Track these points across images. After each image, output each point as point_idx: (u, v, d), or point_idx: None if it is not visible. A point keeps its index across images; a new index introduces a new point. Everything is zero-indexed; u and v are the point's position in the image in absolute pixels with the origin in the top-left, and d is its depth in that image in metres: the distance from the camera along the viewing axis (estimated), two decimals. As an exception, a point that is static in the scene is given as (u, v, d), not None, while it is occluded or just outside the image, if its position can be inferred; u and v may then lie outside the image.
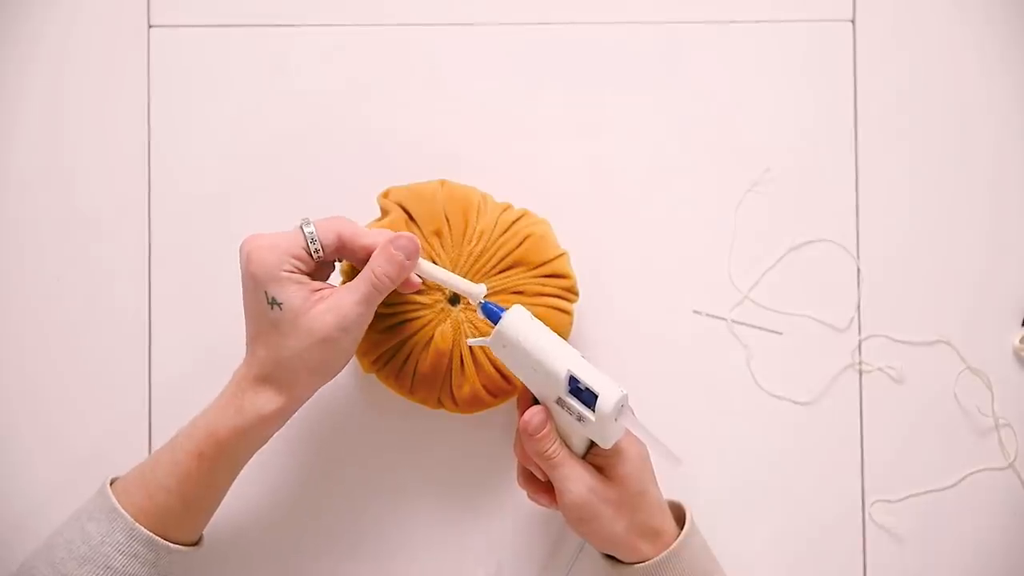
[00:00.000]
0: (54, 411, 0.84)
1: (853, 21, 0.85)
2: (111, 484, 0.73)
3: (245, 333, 0.72)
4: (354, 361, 0.80)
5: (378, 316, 0.76)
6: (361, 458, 0.84)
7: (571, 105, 0.85)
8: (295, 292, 0.70)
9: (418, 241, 0.72)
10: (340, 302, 0.70)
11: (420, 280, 0.74)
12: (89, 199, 0.84)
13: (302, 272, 0.71)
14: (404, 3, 0.85)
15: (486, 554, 0.84)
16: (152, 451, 0.83)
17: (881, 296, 0.85)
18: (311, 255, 0.71)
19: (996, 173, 0.85)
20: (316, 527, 0.84)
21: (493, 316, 0.72)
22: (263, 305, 0.70)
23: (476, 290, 0.74)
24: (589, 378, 0.70)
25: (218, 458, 0.71)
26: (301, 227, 0.71)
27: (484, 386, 0.77)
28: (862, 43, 0.85)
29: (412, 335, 0.76)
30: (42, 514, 0.82)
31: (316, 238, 0.71)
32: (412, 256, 0.71)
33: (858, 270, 0.85)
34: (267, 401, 0.71)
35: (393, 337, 0.76)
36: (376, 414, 0.84)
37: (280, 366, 0.71)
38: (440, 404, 0.79)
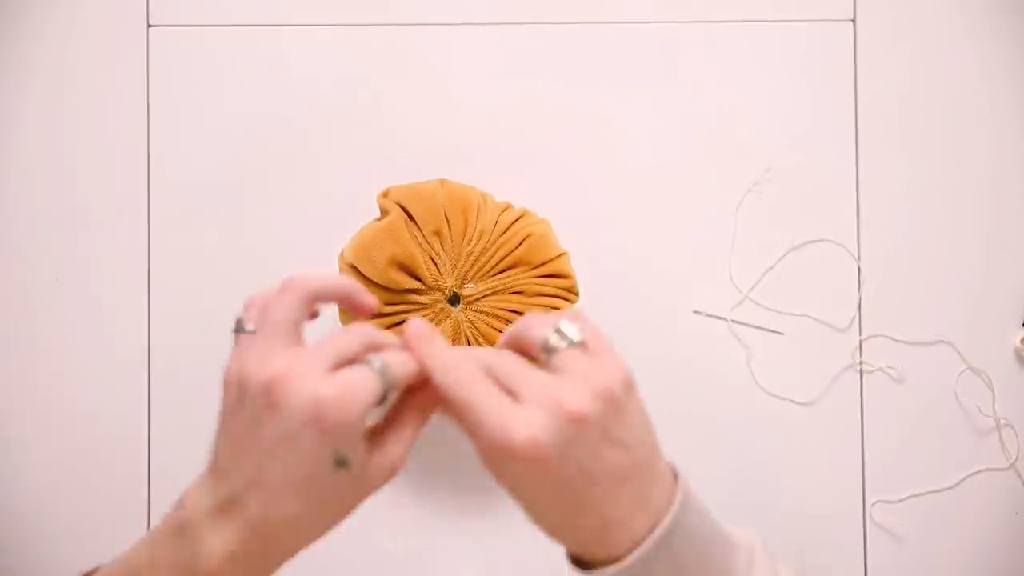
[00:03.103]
0: (53, 411, 0.84)
1: (854, 21, 0.85)
2: None
3: (227, 478, 0.54)
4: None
5: (378, 316, 0.76)
6: (361, 458, 0.84)
7: (571, 105, 0.85)
8: (361, 445, 0.54)
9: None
10: (395, 452, 0.57)
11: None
12: (89, 199, 0.84)
13: None
14: (404, 3, 0.85)
15: (484, 554, 0.84)
16: (149, 461, 0.83)
17: (881, 296, 0.85)
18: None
19: (996, 173, 0.85)
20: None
21: None
22: (319, 468, 0.53)
23: None
24: None
25: None
26: (374, 367, 0.54)
27: (484, 386, 0.77)
28: (862, 43, 0.85)
29: (411, 335, 0.76)
30: (41, 513, 0.82)
31: (393, 380, 0.54)
32: None
33: (858, 270, 0.85)
34: (272, 569, 0.57)
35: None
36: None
37: (306, 533, 0.57)
38: (440, 404, 0.79)
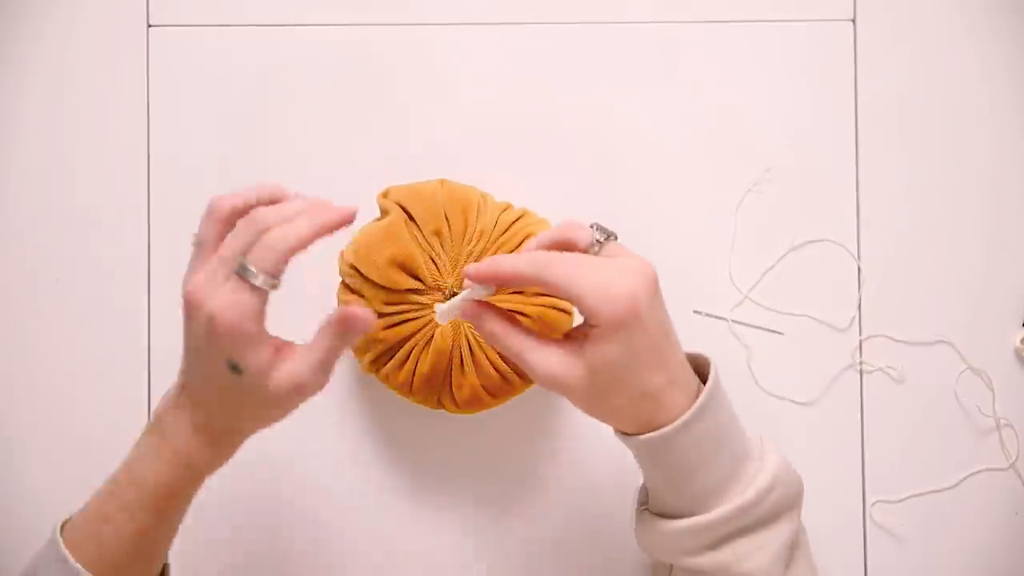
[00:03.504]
0: (54, 410, 0.84)
1: (854, 21, 0.85)
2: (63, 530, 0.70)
3: (185, 381, 0.67)
4: (354, 361, 0.80)
5: (377, 316, 0.76)
6: (360, 458, 0.84)
7: (571, 105, 0.85)
8: (257, 357, 0.64)
9: (373, 317, 0.66)
10: (299, 368, 0.64)
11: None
12: (89, 199, 0.84)
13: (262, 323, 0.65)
14: (404, 3, 0.85)
15: (484, 554, 0.84)
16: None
17: (881, 296, 0.85)
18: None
19: (996, 173, 0.85)
20: (313, 526, 0.84)
21: None
22: (219, 369, 0.64)
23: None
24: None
25: (174, 509, 0.69)
26: (244, 277, 0.63)
27: (484, 386, 0.77)
28: (862, 43, 0.85)
29: (412, 335, 0.76)
30: (41, 513, 0.82)
31: (269, 282, 0.63)
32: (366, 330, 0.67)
33: (858, 270, 0.85)
34: (223, 451, 0.68)
35: (392, 337, 0.76)
36: (376, 414, 0.84)
37: (232, 424, 0.67)
38: (440, 404, 0.79)
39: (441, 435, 0.84)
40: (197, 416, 0.67)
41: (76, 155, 0.84)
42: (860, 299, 0.85)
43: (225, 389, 0.65)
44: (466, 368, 0.77)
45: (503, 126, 0.85)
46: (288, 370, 0.64)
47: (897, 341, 0.85)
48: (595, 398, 0.67)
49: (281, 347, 0.65)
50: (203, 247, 0.66)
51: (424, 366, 0.76)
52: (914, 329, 0.85)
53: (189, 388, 0.67)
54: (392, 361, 0.77)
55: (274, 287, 0.63)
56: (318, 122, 0.84)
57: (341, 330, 0.65)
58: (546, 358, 0.67)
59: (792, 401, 0.85)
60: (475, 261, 0.77)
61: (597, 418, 0.68)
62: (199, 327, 0.64)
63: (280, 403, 0.66)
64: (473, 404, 0.78)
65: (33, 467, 0.83)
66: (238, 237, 0.65)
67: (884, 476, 0.85)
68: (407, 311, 0.76)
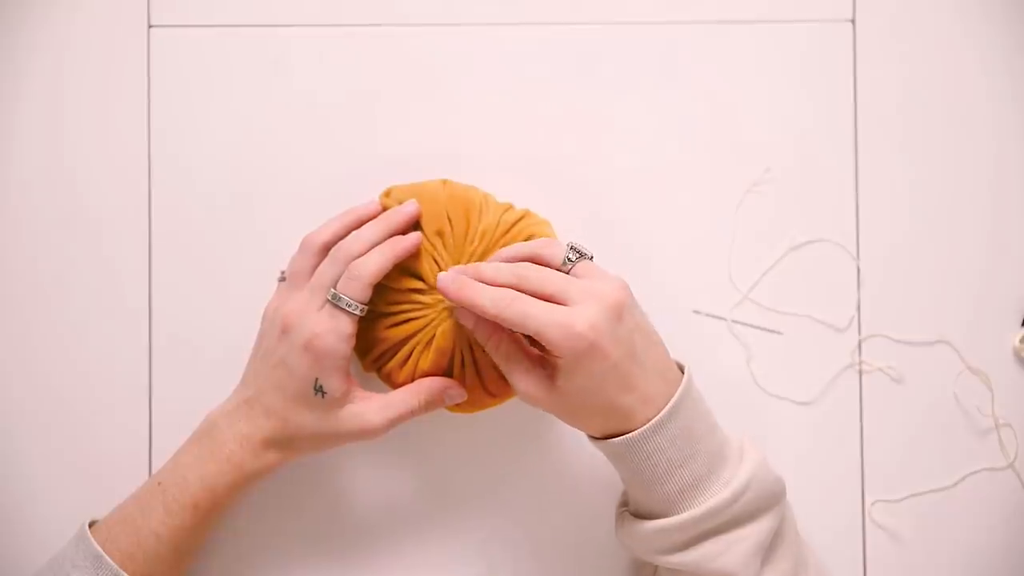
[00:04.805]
0: (55, 411, 0.83)
1: (853, 21, 0.86)
2: (90, 527, 0.73)
3: (254, 395, 0.74)
4: (354, 360, 0.80)
5: (379, 315, 0.76)
6: (359, 457, 0.84)
7: (571, 105, 0.85)
8: (341, 384, 0.72)
9: (465, 395, 0.75)
10: (369, 415, 0.73)
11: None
12: (89, 199, 0.84)
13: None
14: (405, 3, 0.85)
15: (483, 554, 0.84)
16: (150, 466, 0.83)
17: (881, 296, 0.85)
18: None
19: (996, 173, 0.85)
20: (311, 525, 0.84)
21: None
22: (306, 387, 0.72)
23: None
24: None
25: (214, 510, 0.73)
26: (338, 304, 0.72)
27: (484, 386, 0.77)
28: (862, 43, 0.85)
29: (413, 334, 0.76)
30: (41, 513, 0.82)
31: (358, 307, 0.72)
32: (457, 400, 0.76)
33: (858, 270, 0.85)
34: (272, 461, 0.74)
35: (394, 336, 0.76)
36: (376, 414, 0.84)
37: (292, 439, 0.73)
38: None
39: (441, 435, 0.84)
40: (264, 427, 0.73)
41: (76, 156, 0.84)
42: (859, 299, 0.85)
43: (302, 408, 0.72)
44: (467, 368, 0.77)
45: (505, 127, 0.85)
46: (360, 412, 0.73)
47: (896, 341, 0.85)
48: (566, 413, 0.71)
49: (357, 388, 0.74)
50: (296, 278, 0.74)
51: (425, 365, 0.76)
52: (913, 329, 0.85)
53: (260, 402, 0.73)
54: (393, 360, 0.77)
55: (363, 312, 0.72)
56: (319, 122, 0.84)
57: (436, 400, 0.74)
58: (521, 375, 0.70)
59: (792, 401, 0.85)
60: (477, 261, 0.77)
61: (571, 425, 0.72)
62: (295, 346, 0.71)
63: (339, 436, 0.73)
64: (473, 404, 0.78)
65: (34, 468, 0.83)
66: (327, 270, 0.73)
67: (883, 476, 0.85)
68: (409, 310, 0.76)
